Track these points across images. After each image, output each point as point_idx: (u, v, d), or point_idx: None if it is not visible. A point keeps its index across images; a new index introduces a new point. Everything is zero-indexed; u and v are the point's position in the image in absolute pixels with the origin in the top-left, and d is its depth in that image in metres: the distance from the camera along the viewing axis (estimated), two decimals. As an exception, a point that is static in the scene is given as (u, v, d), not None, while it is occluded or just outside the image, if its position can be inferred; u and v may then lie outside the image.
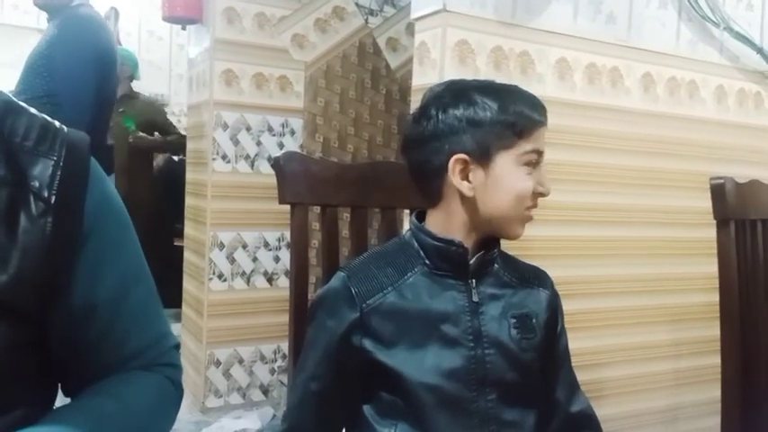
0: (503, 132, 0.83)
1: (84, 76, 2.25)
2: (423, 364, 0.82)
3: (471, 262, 0.87)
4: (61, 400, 0.75)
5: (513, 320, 0.88)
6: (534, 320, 0.90)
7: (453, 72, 1.60)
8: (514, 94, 0.87)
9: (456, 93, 0.86)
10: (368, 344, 0.83)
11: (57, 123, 0.72)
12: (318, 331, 0.87)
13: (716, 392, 1.22)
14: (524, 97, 0.87)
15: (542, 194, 0.87)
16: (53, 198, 0.66)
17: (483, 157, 0.84)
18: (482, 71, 1.63)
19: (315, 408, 0.87)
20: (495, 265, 0.91)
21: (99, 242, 0.71)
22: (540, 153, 0.86)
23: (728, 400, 1.20)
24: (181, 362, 0.82)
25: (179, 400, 0.80)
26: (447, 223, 0.88)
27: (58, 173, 0.67)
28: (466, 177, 0.85)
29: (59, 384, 0.76)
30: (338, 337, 0.84)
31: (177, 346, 0.82)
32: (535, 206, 0.88)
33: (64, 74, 2.19)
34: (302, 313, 1.06)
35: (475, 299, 0.86)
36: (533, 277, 0.95)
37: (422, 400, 0.82)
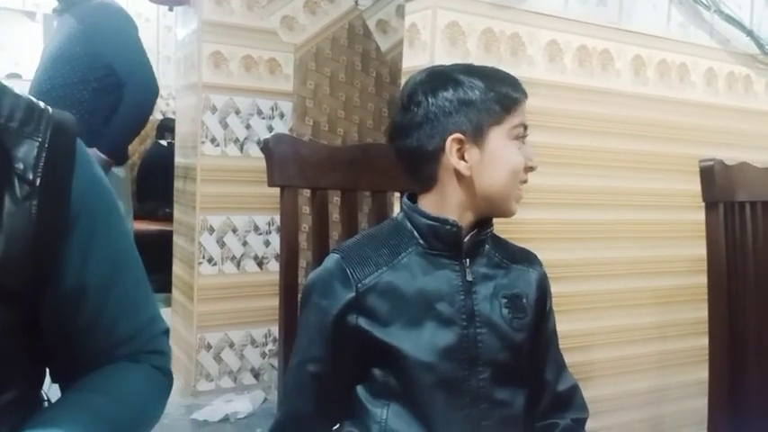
0: (492, 108, 0.86)
1: (143, 59, 2.46)
2: (419, 343, 0.83)
3: (465, 241, 0.88)
4: (48, 383, 0.75)
5: (505, 300, 0.89)
6: (525, 300, 0.91)
7: (444, 54, 1.59)
8: (494, 72, 0.90)
9: (441, 77, 0.88)
10: (363, 323, 0.83)
11: (41, 104, 0.71)
12: (313, 313, 0.87)
13: (703, 374, 1.23)
14: (503, 75, 0.91)
15: (532, 168, 0.90)
16: (38, 180, 0.65)
17: (477, 135, 0.86)
18: (472, 53, 1.62)
19: (313, 390, 0.87)
20: (487, 246, 0.92)
21: (88, 226, 0.70)
22: (525, 127, 0.90)
23: (715, 382, 1.21)
24: (170, 347, 0.81)
25: (169, 388, 0.80)
26: (441, 206, 0.89)
27: (44, 155, 0.66)
28: (462, 157, 0.86)
29: (48, 368, 0.76)
30: (333, 317, 0.84)
31: (166, 332, 0.81)
32: (526, 181, 0.90)
33: (133, 63, 2.39)
34: (293, 297, 1.06)
35: (469, 278, 0.87)
36: (523, 258, 0.96)
37: (417, 378, 0.82)
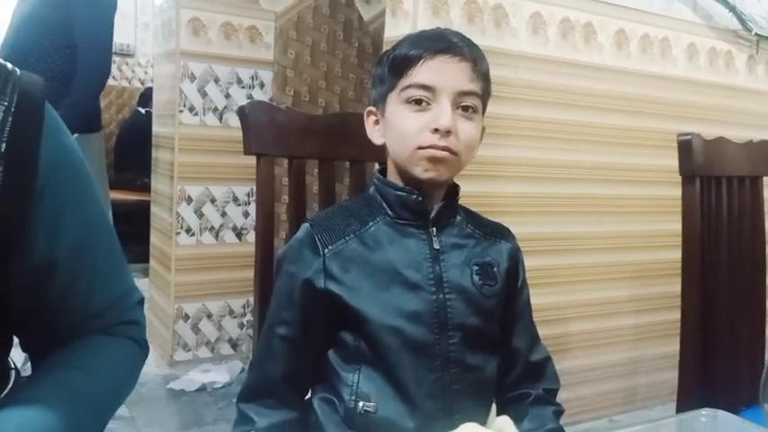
0: (385, 76, 0.88)
1: (108, 25, 2.34)
2: (386, 307, 0.84)
3: (432, 210, 0.88)
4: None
5: (476, 267, 0.89)
6: (496, 269, 0.91)
7: (426, 24, 1.57)
8: (413, 37, 0.88)
9: (386, 52, 0.91)
10: (332, 286, 0.84)
11: (9, 66, 0.67)
12: (284, 280, 0.87)
13: (675, 347, 1.25)
14: (416, 36, 0.88)
15: (437, 130, 0.83)
16: (3, 146, 0.63)
17: (380, 105, 0.90)
18: (455, 23, 1.60)
19: (283, 354, 0.86)
20: (459, 217, 0.92)
21: (57, 195, 0.68)
22: (425, 87, 0.83)
23: (687, 354, 1.23)
24: (145, 317, 0.81)
25: (144, 359, 0.80)
26: (392, 175, 0.91)
27: (9, 119, 0.63)
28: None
29: (17, 338, 0.75)
30: (301, 281, 0.84)
31: (141, 302, 0.80)
32: (434, 146, 0.83)
33: (90, 24, 2.28)
34: (268, 266, 1.05)
35: (436, 246, 0.88)
36: (496, 231, 0.96)
37: (385, 342, 0.83)
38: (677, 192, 1.25)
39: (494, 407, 0.94)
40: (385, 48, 1.63)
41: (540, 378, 0.95)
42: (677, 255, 1.25)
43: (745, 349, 1.32)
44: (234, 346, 2.58)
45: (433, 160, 0.84)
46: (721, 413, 0.79)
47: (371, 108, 0.92)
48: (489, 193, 1.65)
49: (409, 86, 0.84)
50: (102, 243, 0.75)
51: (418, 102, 0.84)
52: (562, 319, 1.84)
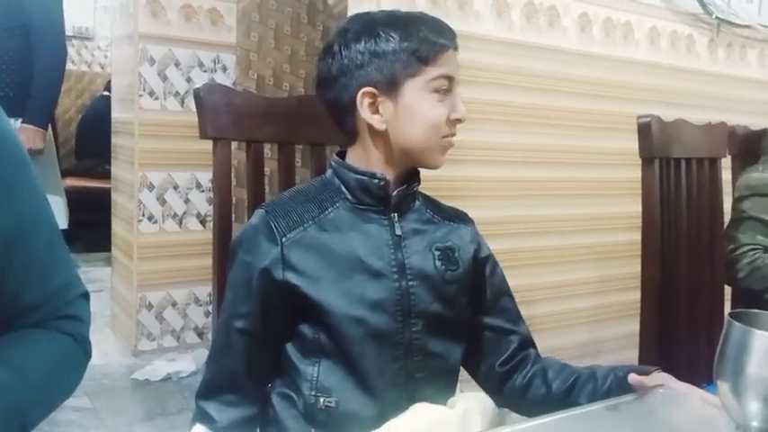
0: (407, 60, 0.83)
1: (60, 4, 2.30)
2: (348, 297, 0.82)
3: (393, 195, 0.86)
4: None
5: (438, 252, 0.88)
6: (457, 254, 0.90)
7: (390, 5, 1.54)
8: (418, 20, 0.85)
9: (359, 27, 0.85)
10: (291, 277, 0.81)
11: None
12: (239, 270, 0.84)
13: (637, 326, 1.27)
14: (428, 22, 0.86)
15: (459, 120, 0.86)
16: None
17: (390, 88, 0.83)
18: (419, 6, 1.58)
19: (242, 348, 0.84)
20: (417, 202, 0.91)
21: None
22: (450, 78, 0.85)
23: (646, 333, 1.25)
24: (88, 313, 0.76)
25: (85, 356, 0.75)
26: (365, 159, 0.87)
27: None
28: (376, 111, 0.84)
29: None
30: (259, 271, 0.82)
31: (85, 296, 0.76)
32: (453, 134, 0.87)
33: (43, 3, 2.22)
34: (226, 253, 1.02)
35: (398, 232, 0.86)
36: (455, 216, 0.96)
37: (348, 333, 0.81)
38: (637, 174, 1.26)
39: (458, 391, 0.93)
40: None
41: (532, 345, 0.98)
42: (639, 236, 1.26)
43: (704, 327, 1.34)
44: (200, 334, 2.55)
45: (448, 146, 0.87)
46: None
47: (371, 89, 0.83)
48: (452, 177, 1.64)
49: (440, 77, 0.84)
50: (40, 235, 0.70)
51: (445, 92, 0.85)
52: (526, 301, 1.84)
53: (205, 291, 2.53)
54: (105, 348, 2.47)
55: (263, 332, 0.84)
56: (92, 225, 3.50)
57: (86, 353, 0.75)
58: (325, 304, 0.81)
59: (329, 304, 0.81)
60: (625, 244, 1.98)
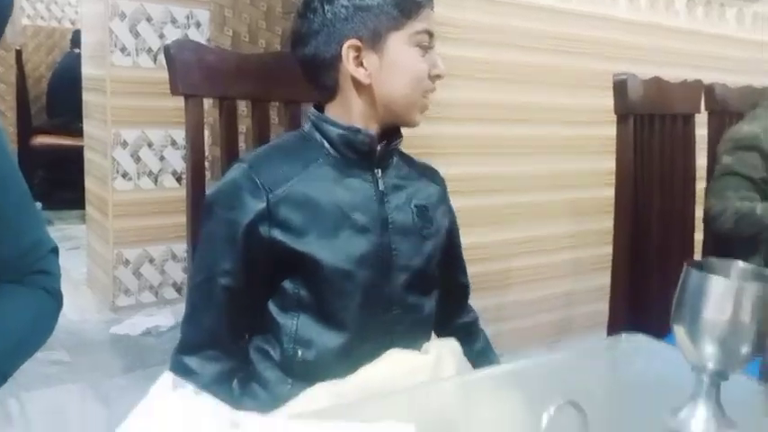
0: (391, 13, 0.83)
1: None
2: (335, 251, 0.82)
3: (377, 150, 0.86)
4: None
5: (416, 209, 0.89)
6: (430, 212, 0.92)
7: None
8: None
9: None
10: (277, 233, 0.81)
11: None
12: (219, 226, 0.83)
13: (608, 279, 1.29)
14: None
15: (439, 76, 0.86)
16: None
17: (375, 40, 0.83)
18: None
19: (225, 305, 0.83)
20: (396, 158, 0.91)
21: None
22: (430, 34, 0.86)
23: (617, 285, 1.28)
24: (59, 267, 0.79)
25: (57, 308, 0.78)
26: (347, 114, 0.86)
27: None
28: (360, 64, 0.84)
29: None
30: (244, 228, 0.81)
31: (55, 251, 0.78)
32: (434, 89, 0.87)
33: None
34: (200, 212, 1.02)
35: (381, 187, 0.87)
36: (426, 172, 0.96)
37: (334, 286, 0.82)
38: (613, 131, 1.27)
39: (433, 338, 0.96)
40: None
41: (467, 302, 1.05)
42: (613, 192, 1.28)
43: (675, 281, 1.37)
44: (179, 289, 2.55)
45: (425, 107, 0.87)
46: (640, 336, 0.85)
47: (356, 43, 0.83)
48: (427, 135, 1.63)
49: (423, 31, 0.84)
50: (9, 195, 0.72)
51: (426, 48, 0.85)
52: (504, 255, 1.87)
53: (182, 247, 2.51)
54: (83, 304, 2.44)
55: (246, 289, 0.84)
56: (66, 183, 3.45)
57: (59, 304, 0.78)
58: (312, 259, 0.81)
59: (317, 259, 0.81)
60: (600, 199, 2.00)
